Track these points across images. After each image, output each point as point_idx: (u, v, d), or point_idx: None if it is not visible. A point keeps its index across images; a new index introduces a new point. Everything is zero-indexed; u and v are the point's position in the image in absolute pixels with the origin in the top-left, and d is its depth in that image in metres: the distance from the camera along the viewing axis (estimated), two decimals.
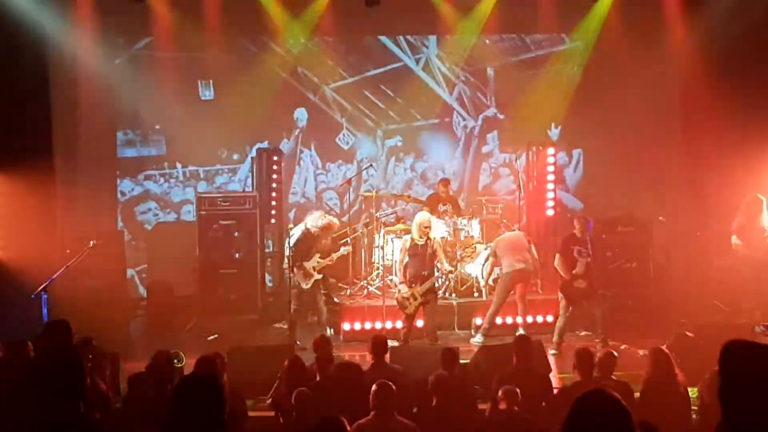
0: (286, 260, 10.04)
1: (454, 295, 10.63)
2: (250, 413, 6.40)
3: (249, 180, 12.31)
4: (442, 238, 10.31)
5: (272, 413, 6.19)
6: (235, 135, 12.84)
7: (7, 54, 9.57)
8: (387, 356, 6.92)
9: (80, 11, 10.92)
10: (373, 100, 13.11)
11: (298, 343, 9.44)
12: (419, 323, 9.28)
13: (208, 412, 3.14)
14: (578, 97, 12.75)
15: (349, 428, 5.11)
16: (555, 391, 6.87)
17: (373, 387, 5.26)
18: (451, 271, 9.38)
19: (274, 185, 11.69)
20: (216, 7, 11.61)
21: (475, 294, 10.71)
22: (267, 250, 12.02)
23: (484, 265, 10.48)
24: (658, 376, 6.10)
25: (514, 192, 12.15)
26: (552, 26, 12.95)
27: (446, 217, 10.97)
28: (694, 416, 6.16)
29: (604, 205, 12.03)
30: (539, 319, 10.28)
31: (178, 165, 12.93)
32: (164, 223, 12.82)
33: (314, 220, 9.85)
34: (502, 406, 5.70)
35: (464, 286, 10.82)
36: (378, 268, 11.03)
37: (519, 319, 9.97)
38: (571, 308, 9.46)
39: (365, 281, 11.09)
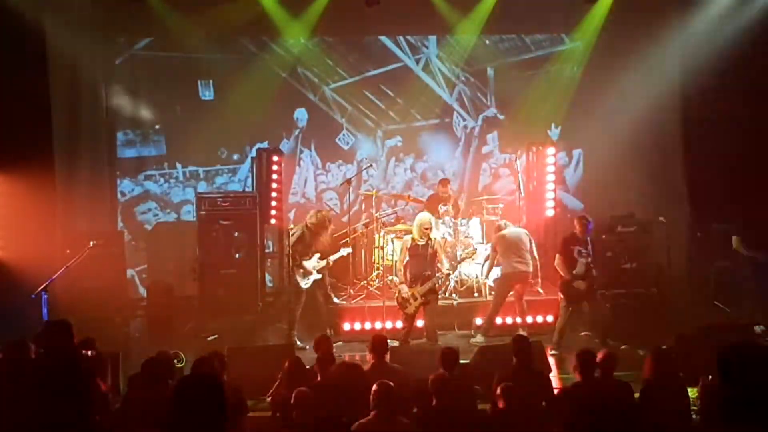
0: (286, 259, 10.03)
1: (454, 295, 10.63)
2: (250, 413, 6.40)
3: (249, 180, 12.30)
4: (443, 238, 10.31)
5: (272, 413, 6.20)
6: (235, 135, 12.84)
7: (7, 54, 9.56)
8: (387, 356, 6.92)
9: (80, 11, 10.92)
10: (373, 100, 13.10)
11: (298, 343, 9.45)
12: (419, 323, 9.28)
13: (208, 412, 3.14)
14: (578, 97, 12.74)
15: (349, 428, 5.12)
16: (555, 391, 6.88)
17: (374, 387, 5.26)
18: (448, 274, 9.38)
19: (274, 185, 11.68)
20: (216, 7, 11.62)
21: (475, 294, 10.71)
22: (267, 250, 12.03)
23: (484, 264, 10.48)
24: (658, 376, 6.10)
25: (514, 192, 12.14)
26: (552, 26, 12.97)
27: (446, 218, 10.97)
28: (694, 416, 6.16)
29: (604, 205, 12.02)
30: (539, 319, 10.28)
31: (178, 165, 12.92)
32: (164, 224, 12.81)
33: (310, 216, 9.86)
34: (501, 404, 5.69)
35: (464, 287, 10.82)
36: (378, 269, 11.03)
37: (519, 320, 9.97)
38: (571, 308, 9.46)
39: (365, 281, 11.09)
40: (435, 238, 9.23)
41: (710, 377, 5.75)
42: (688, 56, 11.90)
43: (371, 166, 12.77)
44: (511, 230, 10.06)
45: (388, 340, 7.12)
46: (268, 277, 12.13)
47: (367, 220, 11.93)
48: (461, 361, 6.92)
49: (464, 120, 13.40)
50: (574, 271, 9.40)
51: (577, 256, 9.42)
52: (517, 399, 5.65)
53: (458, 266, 10.03)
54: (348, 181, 11.40)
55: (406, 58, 13.19)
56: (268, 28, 12.29)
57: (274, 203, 11.64)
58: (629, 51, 12.05)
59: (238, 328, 10.22)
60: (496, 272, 10.20)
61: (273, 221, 11.63)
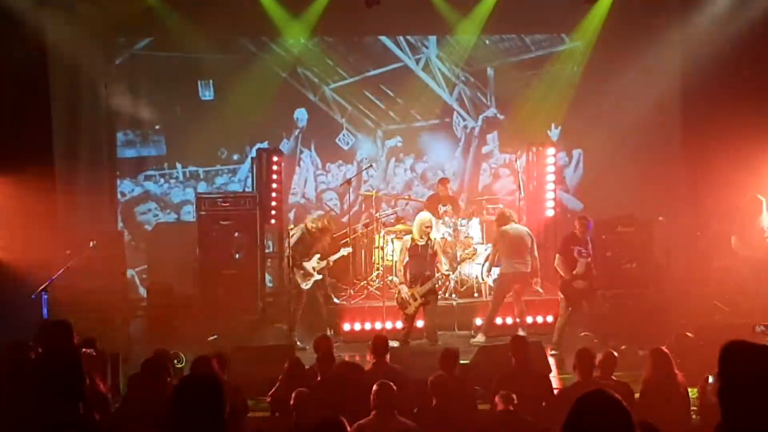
0: (285, 260, 10.03)
1: (454, 295, 10.63)
2: (250, 413, 6.40)
3: (249, 180, 12.30)
4: (442, 238, 10.31)
5: (272, 413, 6.20)
6: (234, 135, 12.84)
7: (7, 54, 9.56)
8: (387, 357, 6.92)
9: (80, 11, 10.91)
10: (373, 100, 13.11)
11: (298, 343, 9.45)
12: (419, 324, 9.28)
13: (208, 412, 3.14)
14: (578, 97, 12.75)
15: (349, 428, 5.12)
16: (555, 391, 6.88)
17: (374, 387, 5.26)
18: (447, 275, 9.37)
19: (274, 185, 11.67)
20: (216, 7, 11.61)
21: (475, 295, 10.71)
22: (267, 251, 12.02)
23: (484, 264, 10.46)
24: (658, 376, 6.10)
25: (514, 192, 12.14)
26: (552, 26, 12.97)
27: (446, 218, 10.97)
28: (694, 416, 6.16)
29: (604, 205, 12.01)
30: (539, 319, 10.28)
31: (178, 165, 12.93)
32: (164, 224, 12.82)
33: (313, 221, 9.87)
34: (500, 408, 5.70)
35: (464, 287, 10.81)
36: (378, 269, 11.03)
37: (519, 320, 9.95)
38: (571, 308, 9.46)
39: (365, 282, 11.09)
40: (435, 239, 9.22)
41: (710, 377, 5.74)
42: (688, 56, 11.90)
43: (371, 166, 12.76)
44: (515, 228, 9.91)
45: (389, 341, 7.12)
46: (268, 277, 12.13)
47: (367, 220, 11.93)
48: (461, 362, 6.93)
49: (464, 120, 13.40)
50: (574, 271, 9.40)
51: (577, 256, 9.42)
52: (516, 404, 5.65)
53: (458, 267, 10.03)
54: (348, 182, 11.40)
55: (406, 58, 13.19)
56: (268, 28, 12.29)
57: (274, 203, 11.64)
58: (629, 51, 12.04)
59: (238, 328, 10.21)
60: (496, 272, 10.19)
61: (273, 221, 11.63)
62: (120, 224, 12.65)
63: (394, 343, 8.18)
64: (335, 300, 10.61)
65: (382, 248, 10.99)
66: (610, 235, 10.88)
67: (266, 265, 11.96)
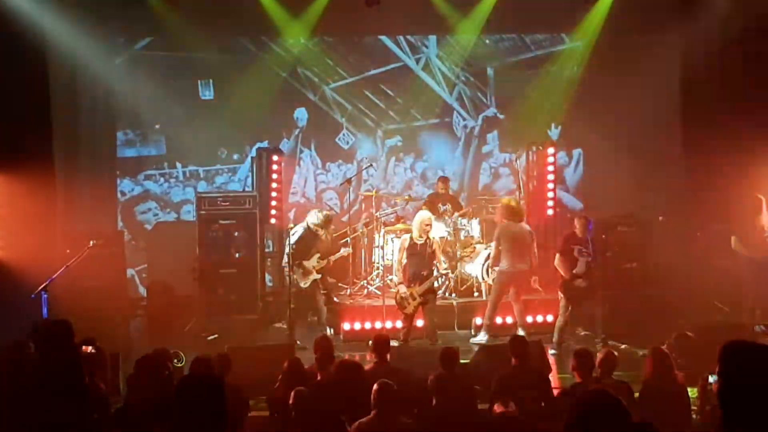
0: (285, 259, 10.04)
1: (453, 295, 10.63)
2: (250, 413, 6.40)
3: (249, 180, 12.29)
4: (442, 238, 10.30)
5: (272, 413, 6.20)
6: (235, 135, 12.85)
7: (7, 54, 9.55)
8: (388, 356, 6.92)
9: (80, 11, 10.91)
10: (373, 100, 13.12)
11: (298, 343, 9.44)
12: (419, 323, 9.28)
13: (208, 412, 3.14)
14: (578, 97, 12.74)
15: (349, 428, 5.12)
16: (555, 391, 6.87)
17: (375, 386, 5.26)
18: (447, 273, 9.35)
19: (274, 185, 11.67)
20: (216, 7, 11.61)
21: (475, 294, 10.71)
22: (267, 250, 12.02)
23: (485, 264, 10.46)
24: (658, 376, 6.10)
25: (514, 192, 12.15)
26: (552, 26, 12.97)
27: (446, 217, 10.96)
28: (694, 416, 6.16)
29: (604, 204, 12.02)
30: (539, 319, 10.28)
31: (178, 165, 12.93)
32: (164, 223, 12.83)
33: (314, 218, 9.87)
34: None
35: (464, 286, 10.82)
36: (378, 268, 11.03)
37: (518, 319, 9.95)
38: (571, 308, 9.46)
39: (365, 281, 11.09)
40: (433, 238, 9.21)
41: (710, 377, 5.74)
42: (688, 56, 11.89)
43: (371, 165, 12.77)
44: (519, 226, 9.77)
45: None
46: (268, 277, 12.12)
47: (367, 219, 11.93)
48: (461, 361, 6.93)
49: (464, 119, 13.41)
50: (574, 271, 9.39)
51: (577, 256, 9.41)
52: (514, 410, 5.64)
53: (458, 266, 10.02)
54: (348, 181, 11.40)
55: (406, 58, 13.20)
56: (268, 28, 12.29)
57: (274, 203, 11.63)
58: (629, 51, 12.05)
59: (238, 328, 10.21)
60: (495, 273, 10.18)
61: (273, 221, 11.63)
62: (120, 224, 12.65)
63: (393, 343, 8.19)
64: (335, 299, 10.61)
65: (382, 248, 10.99)
66: (610, 235, 10.88)
67: (266, 265, 11.95)
